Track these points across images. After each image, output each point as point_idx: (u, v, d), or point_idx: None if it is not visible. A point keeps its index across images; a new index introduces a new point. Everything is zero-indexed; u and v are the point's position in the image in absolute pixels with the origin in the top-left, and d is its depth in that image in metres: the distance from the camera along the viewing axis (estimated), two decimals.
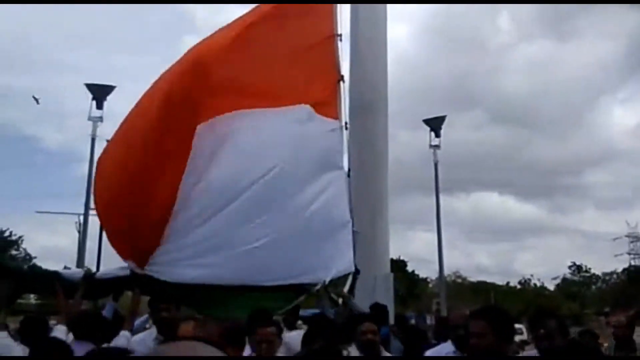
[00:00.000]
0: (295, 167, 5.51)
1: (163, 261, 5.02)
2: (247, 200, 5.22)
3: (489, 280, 47.10)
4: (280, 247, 5.20)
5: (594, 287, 46.47)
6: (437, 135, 20.98)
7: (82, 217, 23.22)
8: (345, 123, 6.18)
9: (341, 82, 6.32)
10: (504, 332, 2.95)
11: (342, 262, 5.60)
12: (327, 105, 6.02)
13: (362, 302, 6.05)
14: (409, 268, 39.57)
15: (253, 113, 5.47)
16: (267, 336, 3.89)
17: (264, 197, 5.29)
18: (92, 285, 5.15)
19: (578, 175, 72.47)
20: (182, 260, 5.04)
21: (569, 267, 47.05)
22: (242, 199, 5.20)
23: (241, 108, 5.41)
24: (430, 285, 40.76)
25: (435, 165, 20.97)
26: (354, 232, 5.84)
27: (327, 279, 5.37)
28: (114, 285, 5.19)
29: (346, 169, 6.10)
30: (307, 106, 5.80)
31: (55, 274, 5.29)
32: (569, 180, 71.19)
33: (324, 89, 6.14)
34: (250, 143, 5.41)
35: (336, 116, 6.09)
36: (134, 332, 4.74)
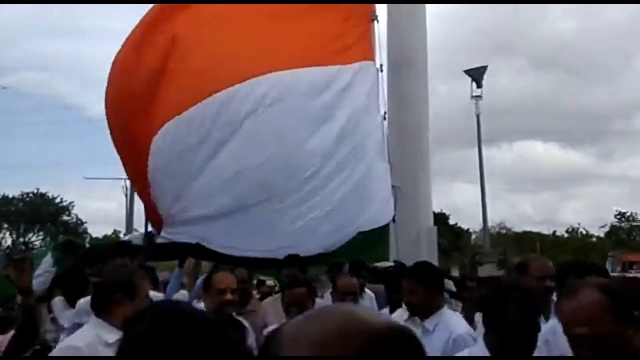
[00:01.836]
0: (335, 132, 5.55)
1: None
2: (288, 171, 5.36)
3: (534, 230, 46.56)
4: (329, 215, 5.34)
5: None
6: (479, 86, 20.57)
7: (128, 182, 23.99)
8: (381, 65, 6.09)
9: (375, 22, 6.22)
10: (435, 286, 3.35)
11: (382, 211, 5.67)
12: (358, 47, 5.92)
13: (406, 256, 6.12)
14: (452, 221, 39.39)
15: (286, 75, 5.49)
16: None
17: (303, 164, 5.39)
18: (153, 248, 5.37)
19: (627, 120, 69.98)
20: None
21: (615, 216, 46.00)
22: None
23: (274, 69, 5.45)
24: (474, 237, 40.56)
25: (477, 116, 20.64)
26: (394, 187, 5.87)
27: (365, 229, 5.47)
28: (175, 249, 5.39)
29: (382, 112, 6.06)
30: (336, 67, 5.72)
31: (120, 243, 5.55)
32: (617, 125, 68.77)
33: (355, 28, 6.02)
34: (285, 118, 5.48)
35: (371, 57, 5.99)
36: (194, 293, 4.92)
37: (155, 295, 4.55)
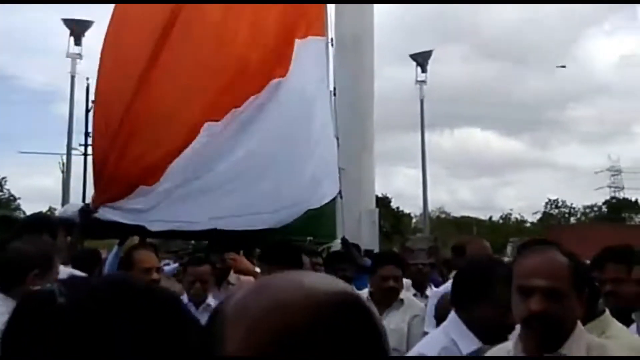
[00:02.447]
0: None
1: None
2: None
3: (472, 215, 48.01)
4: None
5: (572, 219, 47.56)
6: (424, 71, 20.86)
7: (65, 157, 23.12)
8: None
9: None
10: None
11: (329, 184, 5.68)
12: (312, 25, 5.88)
13: (348, 238, 6.17)
14: (393, 205, 40.07)
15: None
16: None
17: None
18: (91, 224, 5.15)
19: (562, 110, 72.78)
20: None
21: (547, 203, 48.03)
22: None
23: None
24: (414, 221, 41.44)
25: (421, 101, 20.99)
26: (339, 169, 5.88)
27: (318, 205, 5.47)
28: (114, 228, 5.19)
29: (331, 87, 6.06)
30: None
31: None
32: (553, 114, 71.43)
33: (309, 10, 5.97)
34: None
35: (321, 33, 5.96)
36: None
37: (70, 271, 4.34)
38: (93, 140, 5.91)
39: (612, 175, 45.47)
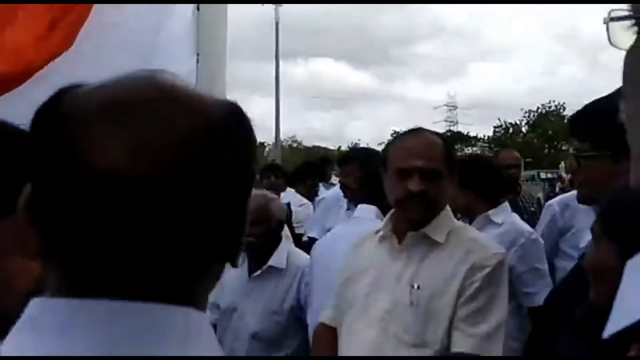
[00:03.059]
0: None
1: None
2: None
3: (322, 145, 49.50)
4: None
5: None
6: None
7: None
8: None
9: None
10: None
11: None
12: None
13: None
14: None
15: None
16: None
17: None
18: None
19: (408, 46, 76.30)
20: None
21: (391, 135, 50.79)
22: None
23: None
24: (267, 149, 41.84)
25: (277, 24, 20.74)
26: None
27: None
28: None
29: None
30: None
31: None
32: (401, 51, 74.71)
33: None
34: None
35: None
36: None
37: None
38: None
39: (449, 110, 49.12)
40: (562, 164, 9.23)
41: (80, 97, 0.57)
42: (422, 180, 1.77)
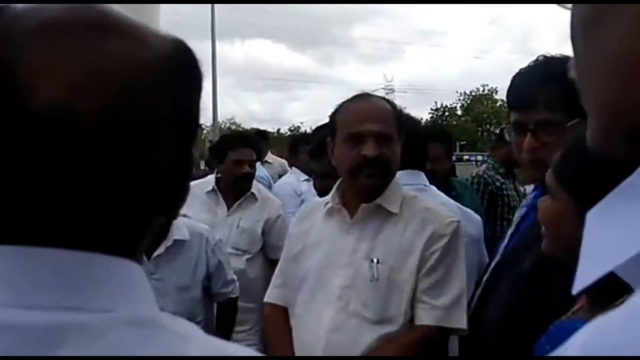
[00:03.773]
0: None
1: None
2: None
3: (261, 127, 49.11)
4: None
5: None
6: None
7: None
8: None
9: None
10: None
11: None
12: None
13: None
14: None
15: None
16: None
17: None
18: None
19: (346, 28, 76.45)
20: None
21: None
22: None
23: None
24: (205, 132, 41.18)
25: (212, 10, 20.28)
26: None
27: None
28: None
29: None
30: None
31: None
32: (338, 32, 74.71)
33: None
34: None
35: None
36: None
37: None
38: None
39: (387, 94, 49.69)
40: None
41: (17, 17, 0.49)
42: (377, 144, 1.69)
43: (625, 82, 0.43)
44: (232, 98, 68.88)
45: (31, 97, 0.46)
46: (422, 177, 2.43)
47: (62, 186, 0.47)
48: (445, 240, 1.70)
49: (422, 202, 1.83)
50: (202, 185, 3.17)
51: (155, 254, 2.34)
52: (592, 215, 0.45)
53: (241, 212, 3.15)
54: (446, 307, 1.66)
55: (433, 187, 2.47)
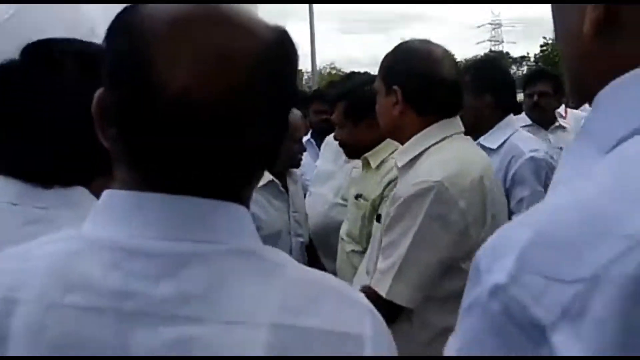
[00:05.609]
0: None
1: None
2: None
3: (362, 71, 48.55)
4: None
5: None
6: None
7: None
8: None
9: None
10: None
11: None
12: None
13: None
14: None
15: None
16: None
17: None
18: None
19: None
20: None
21: None
22: None
23: None
24: (305, 77, 41.39)
25: None
26: None
27: None
28: None
29: None
30: None
31: None
32: None
33: None
34: None
35: None
36: None
37: None
38: None
39: (494, 29, 47.29)
40: None
41: (148, 14, 0.59)
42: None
43: (576, 57, 0.58)
44: (333, 43, 68.22)
45: (165, 85, 0.56)
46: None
47: (189, 154, 0.59)
48: (400, 201, 1.56)
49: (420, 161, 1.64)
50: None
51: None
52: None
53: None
54: (382, 271, 1.57)
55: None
